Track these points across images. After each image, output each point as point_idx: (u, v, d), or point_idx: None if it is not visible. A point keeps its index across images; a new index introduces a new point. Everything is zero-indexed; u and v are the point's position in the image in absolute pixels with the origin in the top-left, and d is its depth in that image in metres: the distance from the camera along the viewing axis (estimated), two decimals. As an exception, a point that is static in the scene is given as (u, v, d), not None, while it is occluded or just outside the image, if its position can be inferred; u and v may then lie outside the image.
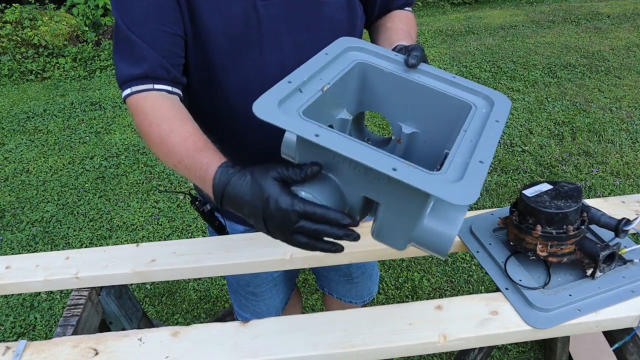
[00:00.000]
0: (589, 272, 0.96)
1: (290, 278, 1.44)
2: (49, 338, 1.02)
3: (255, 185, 0.68)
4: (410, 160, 0.81)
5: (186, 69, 0.95)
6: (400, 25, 1.05)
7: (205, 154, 0.78)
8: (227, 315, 1.99)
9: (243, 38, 0.92)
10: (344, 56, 0.84)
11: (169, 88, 0.89)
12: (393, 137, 0.88)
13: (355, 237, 0.69)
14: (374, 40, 1.09)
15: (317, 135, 0.64)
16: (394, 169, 0.62)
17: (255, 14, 0.90)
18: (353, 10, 0.99)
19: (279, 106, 0.67)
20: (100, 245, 2.54)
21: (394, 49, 0.92)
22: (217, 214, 1.23)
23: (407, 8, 1.13)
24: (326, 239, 0.68)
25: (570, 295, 0.94)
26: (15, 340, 1.69)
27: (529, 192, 1.00)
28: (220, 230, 1.24)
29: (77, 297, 1.11)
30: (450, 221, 0.70)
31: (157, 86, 0.87)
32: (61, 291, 2.27)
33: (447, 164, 0.66)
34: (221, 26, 0.90)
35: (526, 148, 3.11)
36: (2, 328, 2.14)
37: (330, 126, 0.80)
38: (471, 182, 0.62)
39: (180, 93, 0.93)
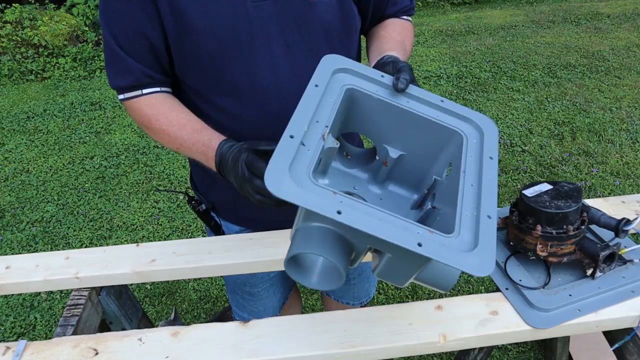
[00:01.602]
0: (589, 272, 0.96)
1: (288, 278, 1.44)
2: (49, 338, 1.02)
3: (233, 163, 0.81)
4: (394, 179, 0.83)
5: (178, 69, 0.97)
6: (394, 35, 1.04)
7: (204, 133, 0.91)
8: (227, 311, 1.99)
9: (233, 39, 0.91)
10: (333, 83, 0.81)
11: (157, 89, 0.98)
12: (378, 158, 0.88)
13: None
14: (367, 47, 1.08)
15: (339, 213, 0.62)
16: (419, 244, 0.62)
17: (246, 15, 0.90)
18: (346, 10, 0.97)
19: (290, 173, 0.64)
20: (100, 245, 2.54)
21: (381, 59, 0.91)
22: (212, 213, 1.23)
23: (405, 17, 1.11)
24: None
25: (570, 295, 0.94)
26: (15, 340, 1.69)
27: (529, 192, 1.00)
28: (217, 230, 1.24)
29: (77, 297, 1.11)
30: None
31: (145, 91, 0.97)
32: (61, 291, 2.27)
33: (458, 221, 0.67)
34: (210, 27, 0.89)
35: (526, 148, 3.11)
36: (2, 328, 2.14)
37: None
38: (487, 250, 0.64)
39: (170, 89, 1.01)
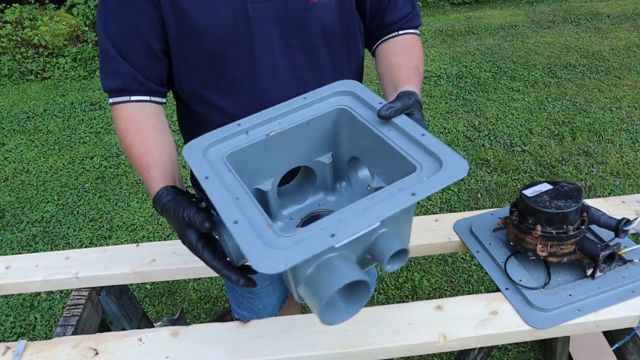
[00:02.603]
0: (589, 272, 0.96)
1: None
2: (49, 338, 1.02)
3: (174, 218, 0.81)
4: (340, 178, 0.88)
5: (177, 72, 0.98)
6: (405, 60, 1.01)
7: (150, 176, 0.90)
8: (226, 314, 1.99)
9: (233, 40, 0.92)
10: (327, 101, 0.84)
11: (146, 98, 0.97)
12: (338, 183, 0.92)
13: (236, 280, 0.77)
14: (379, 74, 1.06)
15: (333, 236, 0.63)
16: (413, 194, 0.65)
17: (246, 17, 0.90)
18: (345, 12, 0.97)
19: (265, 247, 0.64)
20: (100, 245, 2.54)
21: (398, 96, 0.88)
22: (213, 211, 1.24)
23: (411, 30, 1.07)
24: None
25: (570, 295, 0.94)
26: (15, 340, 1.69)
27: (529, 192, 1.00)
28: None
29: (77, 297, 1.11)
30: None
31: (133, 97, 0.96)
32: (61, 291, 2.27)
33: (408, 156, 0.72)
34: (211, 29, 0.90)
35: (526, 148, 3.11)
36: (2, 328, 2.14)
37: (295, 171, 0.87)
38: (453, 158, 0.68)
39: (160, 99, 1.00)
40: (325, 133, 0.86)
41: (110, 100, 0.97)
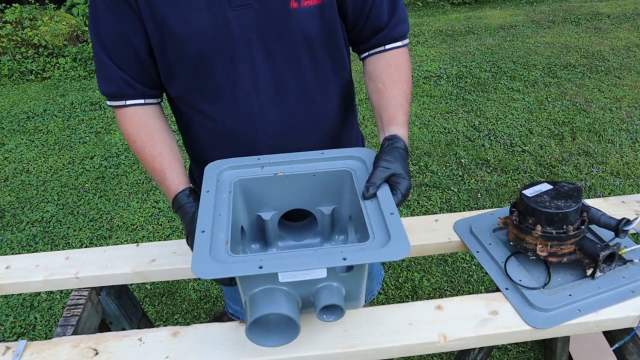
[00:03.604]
0: (589, 272, 0.96)
1: None
2: (49, 338, 1.02)
3: (190, 220, 0.92)
4: (337, 231, 1.02)
5: (162, 76, 1.00)
6: (392, 90, 1.02)
7: (168, 177, 0.99)
8: (224, 314, 1.99)
9: (214, 46, 0.92)
10: (339, 161, 0.96)
11: (142, 101, 1.01)
12: (319, 223, 1.02)
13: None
14: (369, 94, 1.08)
15: (260, 268, 0.73)
16: (344, 259, 0.74)
17: (226, 24, 0.90)
18: (328, 19, 0.96)
19: (211, 258, 0.76)
20: (100, 245, 2.54)
21: (386, 146, 0.95)
22: None
23: (398, 43, 1.05)
24: None
25: (570, 295, 0.94)
26: (15, 340, 1.69)
27: (529, 192, 1.00)
28: None
29: (77, 297, 1.11)
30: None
31: (129, 102, 1.01)
32: (61, 291, 2.27)
33: (370, 228, 0.80)
34: (191, 35, 0.91)
35: (526, 148, 3.11)
36: (2, 328, 2.14)
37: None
38: (399, 238, 0.77)
39: (156, 100, 1.05)
40: (328, 187, 0.96)
41: (109, 103, 1.02)
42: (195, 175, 1.24)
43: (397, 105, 1.02)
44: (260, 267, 0.73)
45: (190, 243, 0.88)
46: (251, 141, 1.03)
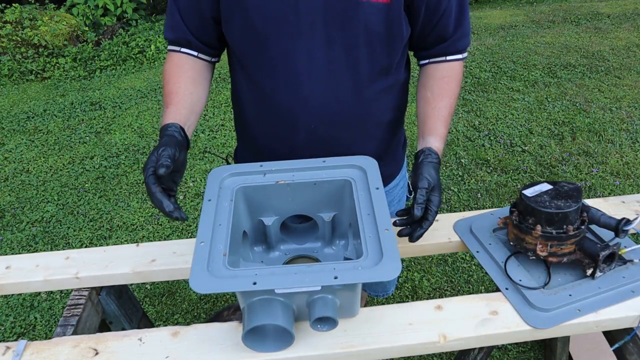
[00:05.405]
0: (589, 272, 0.96)
1: None
2: (49, 338, 1.02)
3: (156, 149, 0.92)
4: (338, 236, 1.05)
5: (227, 39, 1.06)
6: (438, 102, 1.07)
7: (168, 110, 1.02)
8: (224, 311, 1.98)
9: (278, 21, 0.96)
10: (340, 170, 0.99)
11: (195, 53, 1.10)
12: (320, 229, 1.05)
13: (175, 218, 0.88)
14: (417, 103, 1.12)
15: (254, 284, 0.76)
16: (335, 277, 0.77)
17: (295, 3, 0.94)
18: (393, 15, 0.97)
19: (208, 272, 0.79)
20: (100, 245, 2.54)
21: (421, 158, 1.00)
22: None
23: (458, 56, 1.09)
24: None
25: (570, 295, 0.94)
26: (15, 340, 1.69)
27: (529, 192, 1.00)
28: None
29: (77, 297, 1.11)
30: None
31: (183, 50, 1.09)
32: (61, 291, 2.27)
33: (364, 244, 0.83)
34: (259, 7, 0.95)
35: (526, 148, 3.11)
36: (2, 328, 2.14)
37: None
38: (391, 258, 0.79)
39: (207, 58, 1.12)
40: (329, 195, 0.99)
41: (168, 48, 1.12)
42: (239, 157, 1.27)
43: (439, 117, 1.07)
44: (254, 283, 0.76)
45: (145, 170, 0.89)
46: (294, 119, 1.05)
